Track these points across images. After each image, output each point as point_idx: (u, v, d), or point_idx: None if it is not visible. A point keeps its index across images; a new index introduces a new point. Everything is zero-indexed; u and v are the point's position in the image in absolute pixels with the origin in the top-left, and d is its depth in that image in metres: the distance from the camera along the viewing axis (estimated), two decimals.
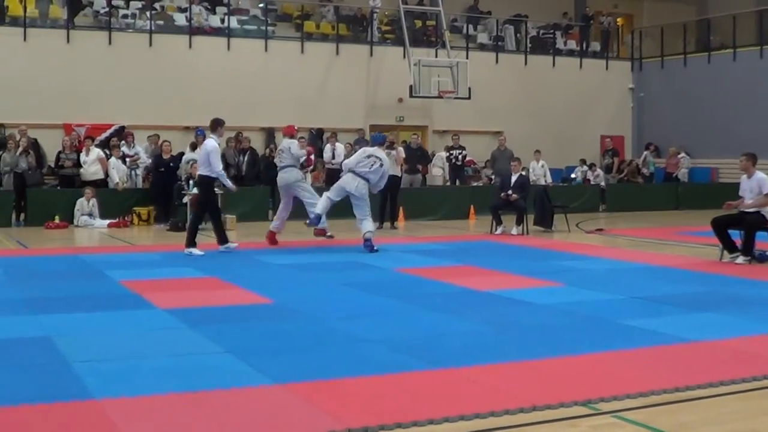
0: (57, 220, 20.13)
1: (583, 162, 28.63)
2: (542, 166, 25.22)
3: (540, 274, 12.45)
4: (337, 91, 27.95)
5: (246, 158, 23.72)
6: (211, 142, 15.07)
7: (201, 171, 15.09)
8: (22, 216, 20.89)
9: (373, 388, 6.37)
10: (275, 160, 18.30)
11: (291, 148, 16.70)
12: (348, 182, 15.57)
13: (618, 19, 35.95)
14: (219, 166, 15.08)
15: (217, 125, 15.36)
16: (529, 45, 32.27)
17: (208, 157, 14.85)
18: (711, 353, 7.63)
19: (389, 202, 20.19)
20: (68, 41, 25.38)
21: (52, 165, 22.07)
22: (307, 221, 16.14)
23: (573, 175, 28.28)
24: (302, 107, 26.98)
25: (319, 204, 15.86)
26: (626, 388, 6.32)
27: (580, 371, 6.93)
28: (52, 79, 24.69)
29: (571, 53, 33.06)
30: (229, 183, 15.91)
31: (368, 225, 15.41)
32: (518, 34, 32.40)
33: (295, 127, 17.82)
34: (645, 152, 29.55)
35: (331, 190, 16.08)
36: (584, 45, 33.40)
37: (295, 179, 16.62)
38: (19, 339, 8.00)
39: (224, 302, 10.13)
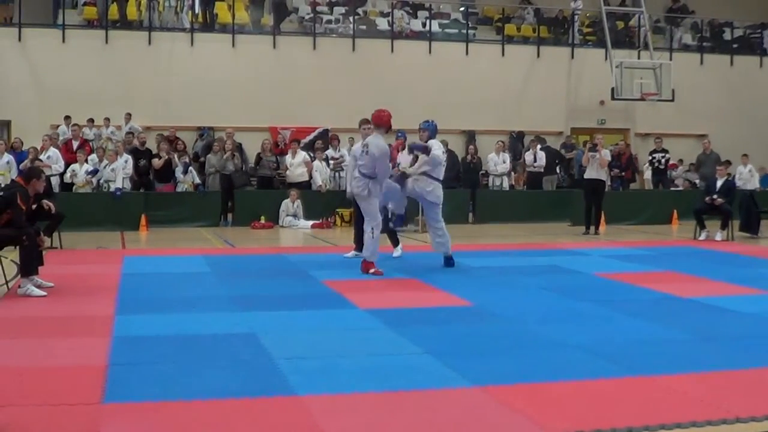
0: (263, 220, 20.75)
1: None
2: (750, 171, 24.39)
3: (745, 281, 12.07)
4: (538, 93, 27.77)
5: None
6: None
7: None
8: (230, 216, 21.61)
9: (571, 394, 6.33)
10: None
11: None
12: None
13: None
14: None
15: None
16: (735, 45, 31.27)
17: None
18: None
19: (594, 206, 19.83)
20: (274, 47, 26.12)
21: (254, 166, 22.77)
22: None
23: None
24: (502, 110, 27.02)
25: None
26: None
27: None
28: (258, 84, 25.46)
29: None
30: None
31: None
32: (723, 35, 31.47)
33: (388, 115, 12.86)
34: None
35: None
36: None
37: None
38: (227, 335, 8.27)
39: (423, 304, 10.22)
